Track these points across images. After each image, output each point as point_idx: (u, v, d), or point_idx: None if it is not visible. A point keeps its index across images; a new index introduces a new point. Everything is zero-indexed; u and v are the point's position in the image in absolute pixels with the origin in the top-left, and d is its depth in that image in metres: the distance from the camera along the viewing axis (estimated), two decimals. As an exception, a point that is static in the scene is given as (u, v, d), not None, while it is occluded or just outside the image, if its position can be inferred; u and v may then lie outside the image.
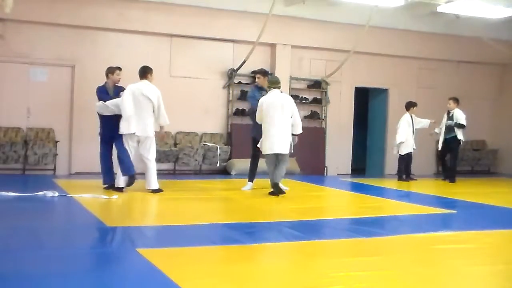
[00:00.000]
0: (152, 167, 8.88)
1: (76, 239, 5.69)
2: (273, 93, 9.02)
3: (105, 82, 9.23)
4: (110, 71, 9.23)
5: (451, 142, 12.42)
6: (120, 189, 8.73)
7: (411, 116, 12.55)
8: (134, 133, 8.71)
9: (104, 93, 9.10)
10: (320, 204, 9.23)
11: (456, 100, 12.62)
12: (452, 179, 12.42)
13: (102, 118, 9.08)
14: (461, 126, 12.33)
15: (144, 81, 8.89)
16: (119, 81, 9.15)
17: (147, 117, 8.76)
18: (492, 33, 13.64)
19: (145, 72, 8.96)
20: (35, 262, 4.59)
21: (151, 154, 8.87)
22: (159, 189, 8.89)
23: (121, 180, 8.76)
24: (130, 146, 8.81)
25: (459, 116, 12.39)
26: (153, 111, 8.82)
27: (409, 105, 12.65)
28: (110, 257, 5.01)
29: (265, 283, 4.31)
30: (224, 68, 12.91)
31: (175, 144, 12.39)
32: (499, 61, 15.37)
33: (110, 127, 8.92)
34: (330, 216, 7.88)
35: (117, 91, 9.03)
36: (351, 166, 14.26)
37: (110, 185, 8.97)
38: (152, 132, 8.83)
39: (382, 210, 8.40)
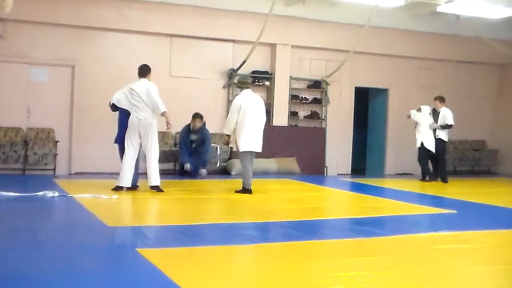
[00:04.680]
0: (154, 163, 8.87)
1: (76, 239, 5.70)
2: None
3: None
4: None
5: (437, 142, 12.31)
6: (120, 188, 8.74)
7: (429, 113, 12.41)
8: (136, 128, 8.75)
9: None
10: (320, 204, 9.23)
11: (442, 99, 12.49)
12: (444, 179, 12.35)
13: (121, 121, 9.04)
14: (448, 126, 12.22)
15: (141, 80, 8.91)
16: None
17: (142, 112, 8.76)
18: (492, 33, 13.64)
19: (144, 72, 8.97)
20: (35, 262, 4.59)
21: (153, 150, 8.86)
22: (158, 187, 8.89)
23: (122, 179, 8.76)
24: (133, 143, 8.80)
25: (447, 115, 12.25)
26: (148, 105, 8.79)
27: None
28: (110, 257, 5.02)
29: (265, 283, 4.31)
30: (224, 68, 12.91)
31: (175, 144, 12.38)
32: (499, 61, 15.37)
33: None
34: (330, 216, 7.89)
35: None
36: (351, 166, 14.26)
37: (134, 186, 8.99)
38: (150, 124, 8.79)
39: (382, 210, 8.40)
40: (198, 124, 11.62)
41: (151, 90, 8.77)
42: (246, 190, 9.09)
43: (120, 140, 9.04)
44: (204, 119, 11.85)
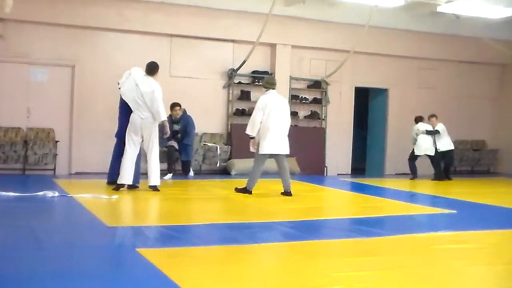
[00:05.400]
0: (154, 163, 8.85)
1: (76, 239, 5.69)
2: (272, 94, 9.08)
3: None
4: None
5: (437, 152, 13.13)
6: (121, 186, 8.75)
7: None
8: (138, 127, 8.71)
9: None
10: (320, 204, 9.23)
11: (436, 117, 13.17)
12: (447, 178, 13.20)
13: (121, 118, 8.98)
14: (432, 132, 12.93)
15: (148, 77, 8.82)
16: None
17: (145, 111, 8.71)
18: (492, 33, 13.64)
19: (153, 70, 8.88)
20: (35, 262, 4.59)
21: (154, 151, 8.84)
22: (156, 187, 8.88)
23: (122, 177, 8.75)
24: (134, 141, 8.78)
25: (440, 128, 13.03)
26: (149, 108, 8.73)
27: (419, 119, 13.25)
28: (110, 257, 5.02)
29: (265, 283, 4.31)
30: (224, 68, 12.91)
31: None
32: (499, 61, 15.37)
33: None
34: (330, 216, 7.88)
35: None
36: (351, 166, 14.26)
37: (134, 185, 8.95)
38: (152, 124, 8.75)
39: (382, 210, 8.40)
40: (178, 112, 11.45)
41: (156, 94, 8.67)
42: (246, 190, 9.03)
43: (120, 136, 9.02)
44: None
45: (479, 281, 4.63)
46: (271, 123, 8.84)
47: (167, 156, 11.49)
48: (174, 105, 11.51)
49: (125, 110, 8.89)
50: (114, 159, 9.07)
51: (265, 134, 8.85)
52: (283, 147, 8.98)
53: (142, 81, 8.77)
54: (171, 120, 11.39)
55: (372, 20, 12.09)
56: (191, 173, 11.83)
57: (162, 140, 11.23)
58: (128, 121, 8.80)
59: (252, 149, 9.05)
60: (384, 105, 14.71)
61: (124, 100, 8.89)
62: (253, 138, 8.98)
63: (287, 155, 9.17)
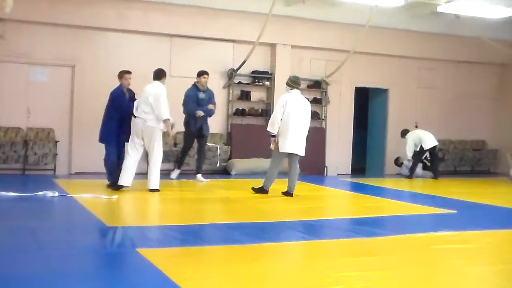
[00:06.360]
0: (153, 166, 8.87)
1: (76, 239, 5.70)
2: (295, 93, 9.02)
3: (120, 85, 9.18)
4: (120, 75, 9.15)
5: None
6: (120, 187, 8.75)
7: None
8: (140, 130, 8.77)
9: (121, 96, 9.04)
10: (320, 204, 9.22)
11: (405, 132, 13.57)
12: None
13: (122, 120, 8.98)
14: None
15: (154, 82, 9.00)
16: (129, 85, 9.11)
17: (147, 115, 8.77)
18: (492, 33, 13.63)
19: (158, 75, 9.10)
20: (35, 262, 4.59)
21: (155, 154, 8.86)
22: (157, 190, 8.89)
23: (121, 179, 8.75)
24: (136, 145, 8.82)
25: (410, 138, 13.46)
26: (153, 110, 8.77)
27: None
28: (110, 257, 5.02)
29: (265, 283, 4.31)
30: (224, 68, 12.91)
31: (175, 144, 12.38)
32: (499, 61, 15.36)
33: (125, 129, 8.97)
34: (330, 216, 7.89)
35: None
36: (351, 166, 14.26)
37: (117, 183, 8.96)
38: (154, 129, 8.77)
39: (382, 210, 8.41)
40: (207, 79, 10.79)
41: (161, 94, 8.78)
42: (263, 190, 9.00)
43: (108, 140, 9.01)
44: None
45: (479, 281, 4.64)
46: (291, 121, 8.77)
47: (180, 153, 11.24)
48: (202, 73, 10.81)
49: (113, 116, 8.93)
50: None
51: (285, 133, 8.77)
52: (300, 148, 8.91)
53: (148, 85, 9.00)
54: (197, 87, 10.79)
55: (372, 20, 12.08)
56: (199, 176, 11.04)
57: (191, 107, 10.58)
58: (115, 125, 8.90)
59: (272, 147, 8.98)
60: (384, 105, 14.71)
61: (112, 105, 8.96)
62: (273, 136, 8.91)
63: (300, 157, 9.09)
